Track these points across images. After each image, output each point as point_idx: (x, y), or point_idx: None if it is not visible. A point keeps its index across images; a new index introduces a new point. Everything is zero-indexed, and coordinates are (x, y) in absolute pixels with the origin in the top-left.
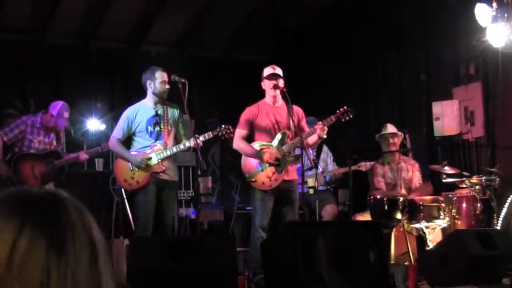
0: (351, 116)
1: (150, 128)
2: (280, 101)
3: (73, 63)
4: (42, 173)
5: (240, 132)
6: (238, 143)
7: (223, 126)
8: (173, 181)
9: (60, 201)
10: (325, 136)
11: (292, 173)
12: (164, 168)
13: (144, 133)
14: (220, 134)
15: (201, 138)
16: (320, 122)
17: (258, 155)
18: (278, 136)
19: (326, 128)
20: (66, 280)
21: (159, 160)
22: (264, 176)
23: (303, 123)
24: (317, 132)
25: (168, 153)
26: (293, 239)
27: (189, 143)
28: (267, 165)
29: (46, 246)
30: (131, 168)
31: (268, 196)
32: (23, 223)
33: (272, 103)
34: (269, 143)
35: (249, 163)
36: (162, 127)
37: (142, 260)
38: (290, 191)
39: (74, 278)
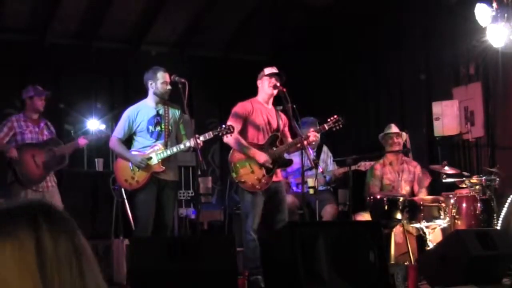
0: (341, 126)
1: (151, 128)
2: (270, 104)
3: (73, 63)
4: (43, 162)
5: (234, 125)
6: (233, 136)
7: (223, 126)
8: (173, 181)
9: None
10: (314, 142)
11: (278, 174)
12: (164, 168)
13: (145, 133)
14: (220, 134)
15: (201, 138)
16: (313, 130)
17: (247, 152)
18: (270, 139)
19: (318, 136)
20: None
21: (159, 160)
22: (254, 178)
23: (286, 130)
24: (310, 139)
25: (169, 153)
26: (293, 239)
27: (190, 143)
28: (257, 165)
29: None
30: (131, 168)
31: (258, 198)
32: (36, 225)
33: (265, 102)
34: (261, 145)
35: (240, 162)
36: (163, 127)
37: (142, 260)
38: (278, 191)
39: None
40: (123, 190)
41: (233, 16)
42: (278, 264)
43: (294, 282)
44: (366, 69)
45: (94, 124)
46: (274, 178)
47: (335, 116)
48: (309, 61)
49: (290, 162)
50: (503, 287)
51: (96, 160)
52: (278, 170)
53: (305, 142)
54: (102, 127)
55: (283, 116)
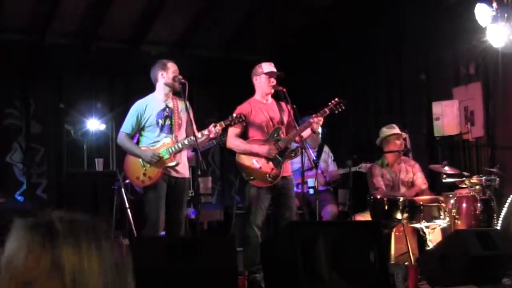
0: (343, 108)
1: (160, 121)
2: (270, 99)
3: (73, 63)
4: None
5: (233, 130)
6: (233, 141)
7: (234, 115)
8: (184, 177)
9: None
10: (319, 130)
11: (287, 169)
12: (177, 161)
13: (154, 127)
14: (232, 123)
15: (218, 126)
16: (315, 115)
17: (249, 150)
18: (272, 132)
19: (321, 120)
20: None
21: (171, 154)
22: (263, 173)
23: (291, 120)
24: (313, 124)
25: (180, 146)
26: (293, 239)
27: (207, 131)
28: (263, 160)
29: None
30: (142, 164)
31: (264, 194)
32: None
33: (264, 99)
34: (264, 140)
35: (246, 161)
36: (173, 120)
37: (142, 260)
38: (286, 188)
39: None
40: (123, 190)
41: (233, 16)
42: (278, 264)
43: (294, 282)
44: (366, 69)
45: (94, 124)
46: (284, 173)
47: (336, 99)
48: (309, 61)
49: (296, 152)
50: (503, 287)
51: (96, 160)
52: (287, 165)
53: (313, 126)
54: (102, 127)
55: (285, 106)
